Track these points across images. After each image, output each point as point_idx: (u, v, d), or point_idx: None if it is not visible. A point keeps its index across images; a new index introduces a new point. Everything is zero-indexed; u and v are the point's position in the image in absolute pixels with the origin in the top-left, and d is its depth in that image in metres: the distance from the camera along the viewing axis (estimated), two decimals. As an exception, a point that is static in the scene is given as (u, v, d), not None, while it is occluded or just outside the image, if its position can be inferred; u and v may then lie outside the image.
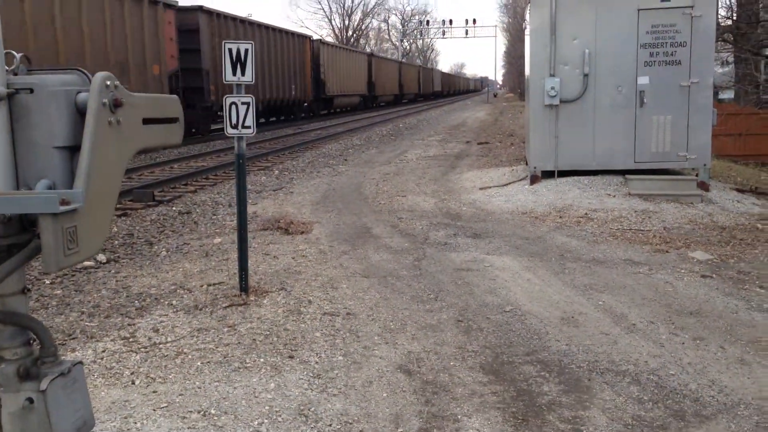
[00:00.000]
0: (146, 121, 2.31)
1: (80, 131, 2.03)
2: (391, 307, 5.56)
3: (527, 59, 12.08)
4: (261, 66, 26.95)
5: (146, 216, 9.62)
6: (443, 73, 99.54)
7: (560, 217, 9.03)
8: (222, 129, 7.11)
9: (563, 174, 10.79)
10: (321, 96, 36.65)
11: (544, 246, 7.57)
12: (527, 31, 12.08)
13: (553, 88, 10.61)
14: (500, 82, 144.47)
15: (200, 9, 22.40)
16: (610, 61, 10.64)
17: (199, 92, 22.16)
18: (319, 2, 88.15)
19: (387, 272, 6.59)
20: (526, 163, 12.11)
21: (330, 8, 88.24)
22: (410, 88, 65.71)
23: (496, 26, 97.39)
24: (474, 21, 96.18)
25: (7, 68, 2.07)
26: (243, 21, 26.22)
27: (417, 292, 5.94)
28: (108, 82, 2.08)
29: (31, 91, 2.04)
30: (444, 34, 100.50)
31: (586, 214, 9.02)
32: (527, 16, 12.23)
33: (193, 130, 22.77)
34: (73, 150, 2.08)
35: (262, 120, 30.81)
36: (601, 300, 5.65)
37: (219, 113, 23.14)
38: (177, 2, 20.58)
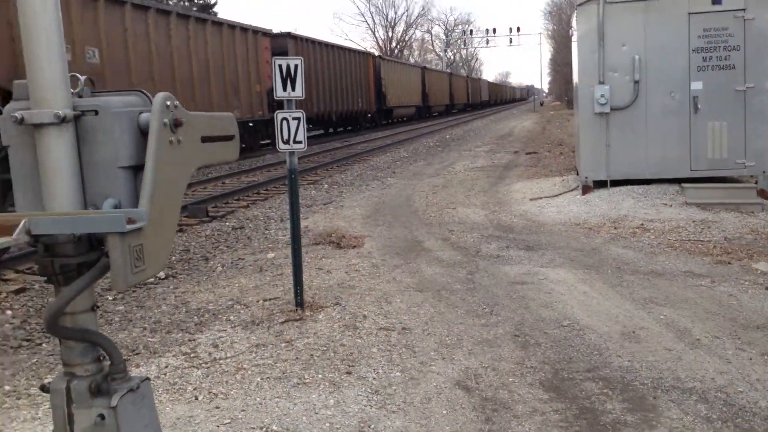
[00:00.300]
0: (204, 139, 2.35)
1: (143, 151, 2.07)
2: (446, 321, 5.54)
3: (575, 67, 11.96)
4: (334, 82, 31.56)
5: (201, 232, 9.79)
6: (490, 83, 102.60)
7: (615, 228, 8.88)
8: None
9: (616, 183, 10.62)
10: (382, 107, 40.53)
11: (599, 258, 7.45)
12: (574, 39, 11.96)
13: (602, 95, 10.47)
14: (546, 90, 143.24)
15: (288, 35, 27.43)
16: (661, 66, 10.46)
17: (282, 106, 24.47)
18: (363, 15, 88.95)
19: (440, 286, 6.57)
20: (577, 173, 11.97)
21: (373, 21, 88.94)
22: (460, 98, 69.00)
23: (540, 34, 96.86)
24: (518, 29, 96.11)
25: (72, 91, 2.13)
26: (320, 43, 30.76)
27: (472, 306, 5.90)
28: (168, 103, 2.12)
29: (96, 112, 2.09)
30: (488, 43, 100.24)
31: (641, 224, 8.85)
32: (573, 23, 12.11)
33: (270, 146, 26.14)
34: (136, 169, 2.12)
35: (340, 129, 35.88)
36: (662, 314, 5.53)
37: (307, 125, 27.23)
38: (271, 30, 25.16)
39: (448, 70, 76.11)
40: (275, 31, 25.98)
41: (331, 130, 35.19)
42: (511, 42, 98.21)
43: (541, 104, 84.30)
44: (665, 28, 10.43)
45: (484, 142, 26.63)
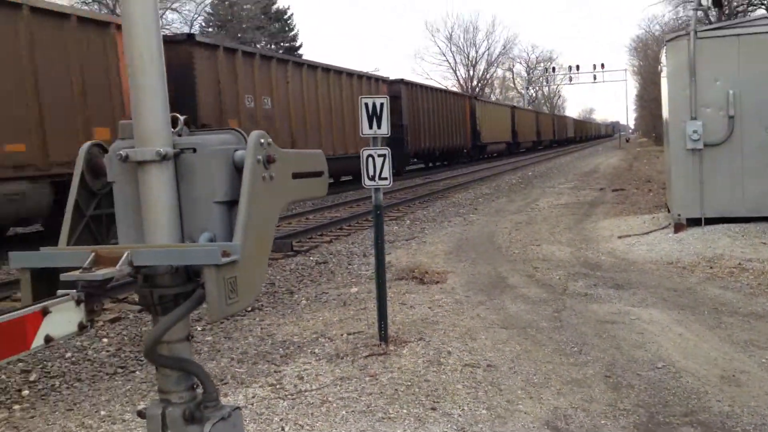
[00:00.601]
0: (295, 176, 2.40)
1: (237, 186, 2.14)
2: (533, 359, 5.40)
3: (664, 103, 11.64)
4: (437, 121, 35.95)
5: (286, 266, 9.97)
6: (575, 120, 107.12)
7: (710, 267, 8.50)
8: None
9: (710, 221, 10.20)
10: (477, 144, 44.68)
11: (694, 298, 7.14)
12: (663, 74, 11.66)
13: (695, 131, 10.14)
14: (632, 127, 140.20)
15: (401, 81, 31.60)
16: (756, 101, 10.07)
17: (400, 142, 29.65)
18: (444, 54, 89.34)
19: (526, 323, 6.43)
20: (668, 211, 11.58)
21: (454, 59, 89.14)
22: (546, 135, 73.46)
23: (626, 70, 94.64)
24: (602, 65, 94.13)
25: (173, 130, 2.23)
26: (426, 87, 35.89)
27: (559, 345, 5.74)
28: (262, 140, 2.19)
29: (194, 150, 2.17)
30: (571, 80, 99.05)
31: (739, 264, 8.44)
32: (662, 59, 11.82)
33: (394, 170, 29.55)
34: (231, 204, 2.19)
35: (443, 163, 40.49)
36: (764, 357, 5.22)
37: (412, 158, 33.98)
38: (388, 77, 30.32)
39: (531, 107, 77.00)
40: (391, 78, 30.92)
41: (431, 164, 39.47)
42: (595, 78, 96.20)
43: (627, 141, 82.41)
44: (760, 61, 10.05)
45: (568, 179, 26.18)
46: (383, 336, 5.92)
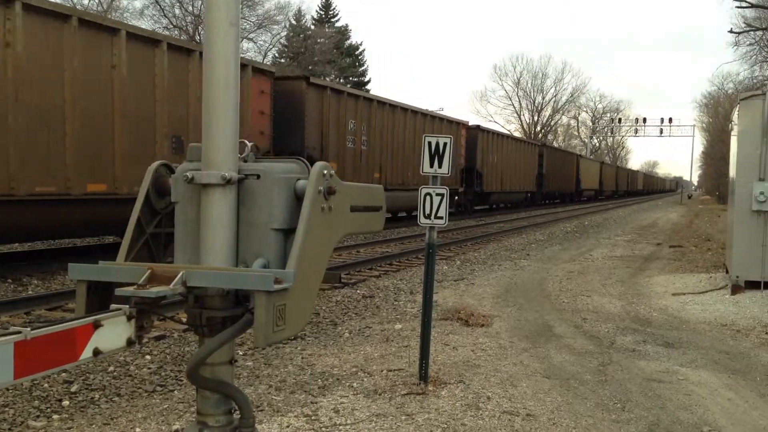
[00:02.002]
0: (353, 209, 2.44)
1: (296, 215, 2.17)
2: (574, 412, 5.29)
3: (732, 161, 11.40)
4: (508, 166, 38.42)
5: (332, 297, 10.03)
6: (644, 174, 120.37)
7: (766, 333, 8.21)
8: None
9: (770, 286, 9.87)
10: (541, 190, 47.40)
11: (747, 363, 6.89)
12: (733, 132, 11.44)
13: (762, 193, 9.89)
14: (695, 183, 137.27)
15: (478, 127, 34.46)
16: (827, 164, 9.77)
17: (471, 183, 32.76)
18: (510, 98, 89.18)
19: (570, 375, 6.31)
20: (726, 271, 11.25)
21: (520, 104, 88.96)
22: (608, 185, 76.65)
23: (693, 126, 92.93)
24: (670, 120, 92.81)
25: (240, 156, 2.30)
26: (496, 133, 38.50)
27: (602, 399, 5.61)
28: (325, 171, 2.23)
29: (258, 177, 2.23)
30: (636, 132, 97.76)
31: (798, 331, 8.13)
32: (734, 117, 11.61)
33: (461, 208, 32.99)
34: (287, 232, 2.22)
35: (507, 205, 41.84)
36: (818, 432, 5.00)
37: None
38: (468, 122, 32.76)
39: (593, 157, 77.22)
40: (470, 123, 33.63)
41: (494, 206, 40.43)
42: (661, 132, 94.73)
43: (689, 197, 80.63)
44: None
45: (625, 231, 25.68)
46: (423, 375, 5.89)
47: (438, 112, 30.19)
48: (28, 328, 1.71)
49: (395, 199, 23.01)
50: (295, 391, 5.67)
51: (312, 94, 19.31)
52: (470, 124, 33.23)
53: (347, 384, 5.88)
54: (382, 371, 6.27)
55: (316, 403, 5.38)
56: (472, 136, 32.63)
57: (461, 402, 5.44)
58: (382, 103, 23.75)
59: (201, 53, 11.17)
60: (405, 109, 25.54)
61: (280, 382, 5.93)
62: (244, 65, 15.91)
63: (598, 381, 6.13)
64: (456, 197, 31.16)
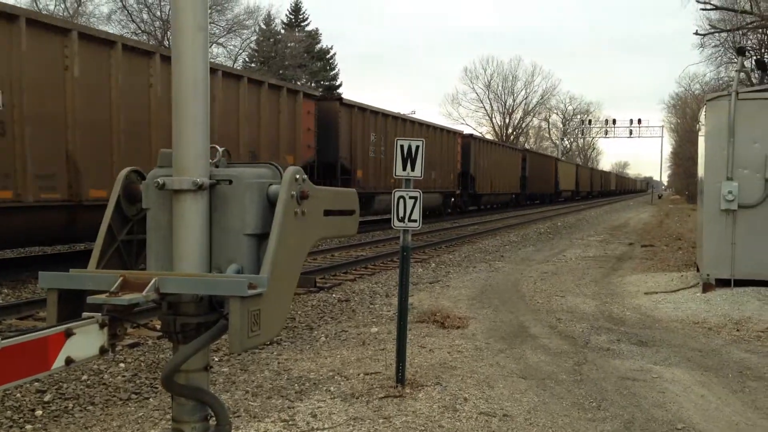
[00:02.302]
0: (327, 213, 2.42)
1: (269, 220, 2.15)
2: (550, 412, 5.32)
3: (701, 162, 11.57)
4: (497, 171, 41.41)
5: (308, 301, 9.99)
6: (616, 175, 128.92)
7: (737, 330, 8.34)
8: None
9: (740, 283, 10.03)
10: (525, 192, 50.32)
11: (719, 360, 6.99)
12: (701, 133, 11.62)
13: (730, 192, 10.04)
14: (665, 184, 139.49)
15: (471, 136, 38.77)
16: (794, 165, 9.95)
17: (466, 185, 35.97)
18: (481, 101, 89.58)
19: (545, 375, 6.35)
20: (697, 270, 11.41)
21: (491, 107, 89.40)
22: (584, 186, 79.73)
23: (662, 126, 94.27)
24: (639, 121, 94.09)
25: (211, 161, 2.27)
26: (486, 140, 43.51)
27: (578, 399, 5.65)
28: (297, 176, 2.21)
29: (230, 182, 2.21)
30: (606, 134, 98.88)
31: (767, 328, 8.27)
32: (701, 118, 11.79)
33: (458, 210, 36.36)
34: (261, 237, 2.20)
35: (494, 207, 44.49)
36: (789, 426, 5.08)
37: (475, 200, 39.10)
38: (462, 131, 36.99)
39: (564, 158, 78.88)
40: (465, 132, 37.91)
41: (481, 207, 42.79)
42: (631, 133, 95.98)
43: (660, 197, 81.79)
44: (800, 125, 9.97)
45: (597, 232, 25.95)
46: (400, 378, 5.88)
47: (438, 123, 33.48)
48: (-1, 338, 1.68)
49: None
50: (272, 397, 5.63)
51: (343, 112, 22.98)
52: (464, 133, 37.53)
53: (324, 388, 5.86)
54: (359, 375, 6.25)
55: (293, 408, 5.34)
56: (466, 143, 36.09)
57: (438, 404, 5.44)
58: (395, 118, 27.67)
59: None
60: (413, 122, 29.60)
61: (256, 387, 5.88)
62: (296, 91, 20.06)
63: (573, 380, 6.17)
64: (453, 199, 34.49)
